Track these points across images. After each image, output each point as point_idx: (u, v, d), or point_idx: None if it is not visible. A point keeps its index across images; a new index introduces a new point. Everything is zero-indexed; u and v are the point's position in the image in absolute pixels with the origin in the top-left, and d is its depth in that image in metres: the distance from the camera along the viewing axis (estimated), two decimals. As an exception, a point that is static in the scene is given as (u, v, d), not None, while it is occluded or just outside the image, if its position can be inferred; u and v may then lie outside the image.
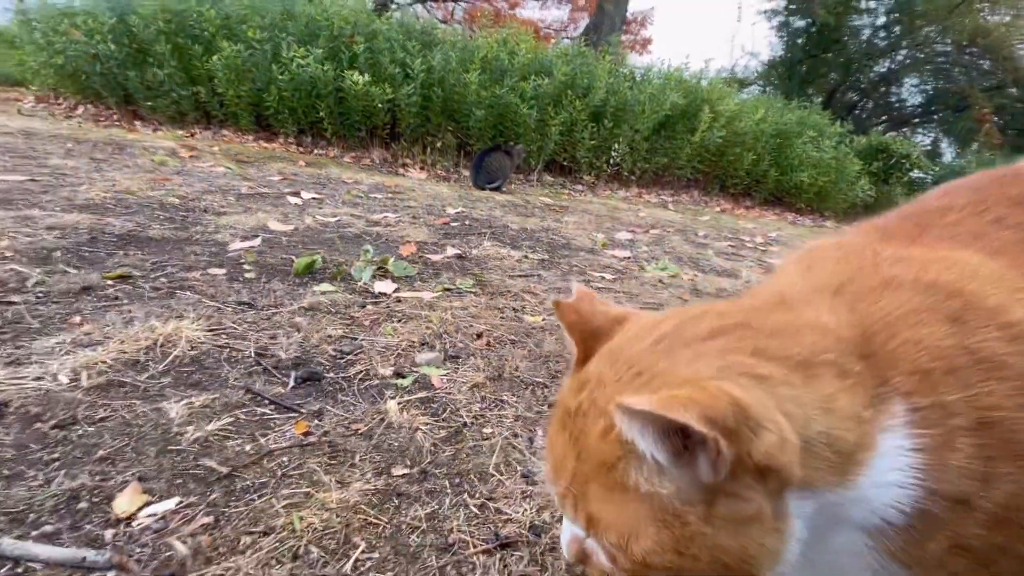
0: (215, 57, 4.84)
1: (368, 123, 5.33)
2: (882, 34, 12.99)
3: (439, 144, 5.56)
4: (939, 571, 0.40)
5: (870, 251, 0.50)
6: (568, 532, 0.46)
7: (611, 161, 6.27)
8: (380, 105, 5.05)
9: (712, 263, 3.18)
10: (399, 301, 1.83)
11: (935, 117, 14.18)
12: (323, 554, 0.72)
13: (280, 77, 4.87)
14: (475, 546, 0.76)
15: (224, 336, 1.38)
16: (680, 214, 5.38)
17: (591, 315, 0.50)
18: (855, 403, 0.38)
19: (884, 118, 14.64)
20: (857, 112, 14.20)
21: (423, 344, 1.51)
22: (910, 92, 14.34)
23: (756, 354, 0.39)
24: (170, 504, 0.76)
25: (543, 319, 1.85)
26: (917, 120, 14.70)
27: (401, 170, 5.32)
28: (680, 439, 0.35)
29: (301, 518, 0.76)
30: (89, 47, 4.98)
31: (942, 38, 12.39)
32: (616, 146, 6.12)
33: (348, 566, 0.70)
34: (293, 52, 4.84)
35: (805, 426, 0.37)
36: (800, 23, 12.93)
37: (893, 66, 13.61)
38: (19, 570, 0.64)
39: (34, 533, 0.69)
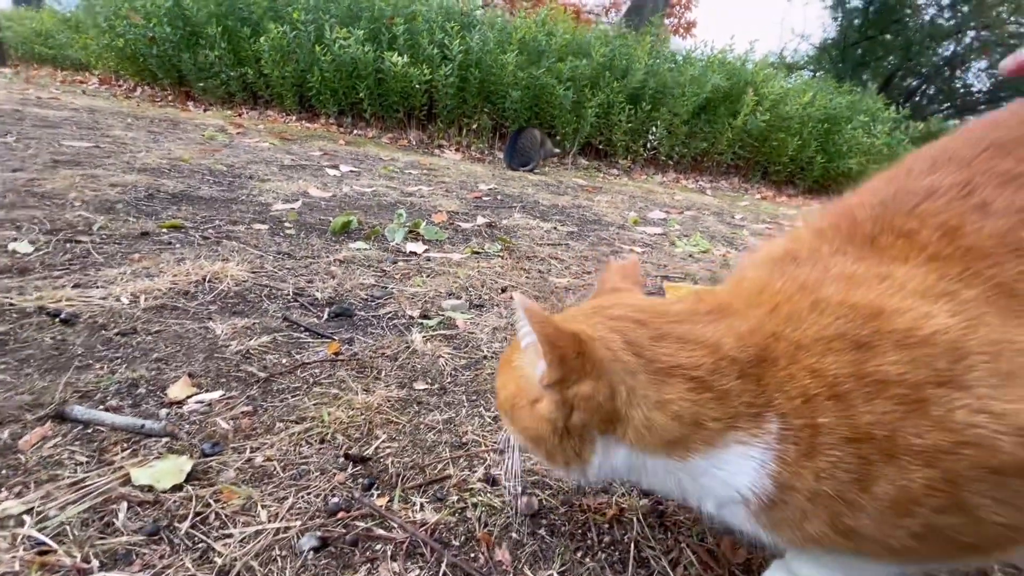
0: (262, 39, 5.03)
1: (406, 104, 5.43)
2: (947, 14, 12.13)
3: (475, 126, 5.61)
4: (837, 549, 0.47)
5: (820, 268, 0.53)
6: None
7: (648, 145, 6.16)
8: (418, 86, 5.14)
9: (747, 242, 3.12)
10: (429, 260, 1.90)
11: (1005, 103, 13.11)
12: (347, 440, 0.78)
13: (323, 58, 5.02)
14: (487, 446, 0.81)
15: (265, 278, 1.48)
16: (718, 199, 5.26)
17: (612, 280, 0.63)
18: (699, 412, 0.47)
19: (947, 105, 13.71)
20: (917, 99, 13.37)
21: (450, 294, 1.57)
22: (977, 77, 13.32)
23: (628, 344, 0.50)
24: (215, 395, 0.85)
25: (568, 281, 1.88)
26: (984, 107, 13.60)
27: (437, 151, 5.40)
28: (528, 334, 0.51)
29: (329, 412, 0.83)
30: (147, 30, 5.26)
31: (1016, 17, 11.49)
32: (654, 129, 6.01)
33: (370, 450, 0.77)
34: (335, 33, 4.97)
35: (626, 406, 0.49)
36: (857, 1, 12.21)
37: (959, 49, 12.69)
38: (88, 431, 0.73)
39: (101, 407, 0.78)
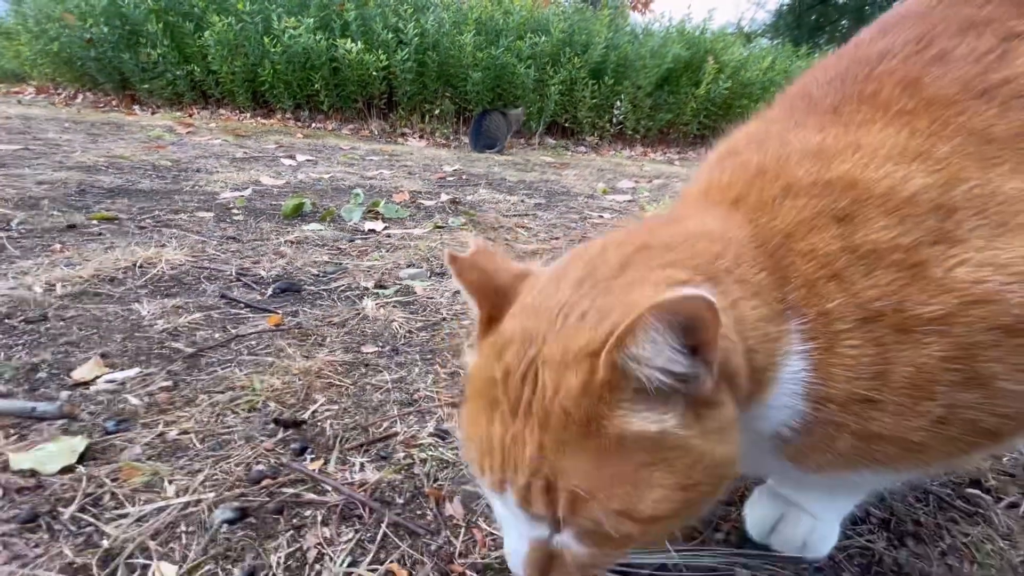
0: (207, 33, 4.80)
1: (364, 93, 5.26)
2: (897, -23, 12.29)
3: (437, 111, 5.47)
4: (855, 463, 0.41)
5: (776, 145, 0.46)
6: (523, 542, 0.38)
7: (614, 120, 6.11)
8: (375, 73, 4.97)
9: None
10: (388, 236, 1.80)
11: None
12: (280, 407, 0.69)
13: (273, 50, 4.81)
14: (441, 401, 0.73)
15: (206, 260, 1.37)
16: (686, 169, 5.24)
17: (494, 272, 0.43)
18: (762, 317, 0.38)
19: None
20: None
21: (409, 265, 1.48)
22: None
23: (670, 266, 0.38)
24: (130, 373, 0.75)
25: (536, 246, 1.81)
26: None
27: (400, 139, 5.26)
28: (682, 346, 0.32)
29: (262, 380, 0.74)
30: (83, 31, 4.97)
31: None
32: (618, 103, 5.96)
33: (306, 415, 0.68)
34: (284, 23, 4.77)
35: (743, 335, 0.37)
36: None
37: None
38: (-32, 420, 0.63)
39: (-12, 394, 0.68)
